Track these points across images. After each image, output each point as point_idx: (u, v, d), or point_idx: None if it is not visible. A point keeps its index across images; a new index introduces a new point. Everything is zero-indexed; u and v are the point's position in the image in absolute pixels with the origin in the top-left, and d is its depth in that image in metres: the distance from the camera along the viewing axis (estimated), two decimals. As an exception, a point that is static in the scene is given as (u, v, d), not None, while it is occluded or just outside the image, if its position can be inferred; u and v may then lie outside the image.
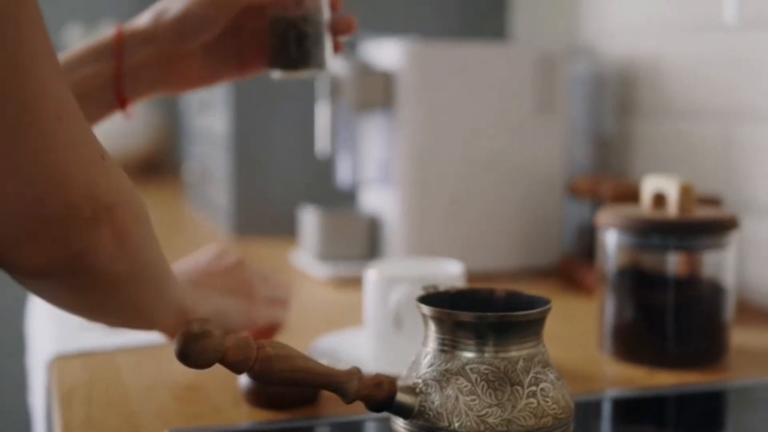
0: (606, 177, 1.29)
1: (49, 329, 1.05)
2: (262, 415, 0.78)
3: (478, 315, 0.64)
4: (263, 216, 1.59)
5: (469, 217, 1.30)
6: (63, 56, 0.82)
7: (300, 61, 0.83)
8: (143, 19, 0.84)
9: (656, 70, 1.35)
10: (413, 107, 1.27)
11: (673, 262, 0.93)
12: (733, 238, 0.94)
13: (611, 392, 0.88)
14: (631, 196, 1.17)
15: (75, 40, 2.43)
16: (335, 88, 1.30)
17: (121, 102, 0.84)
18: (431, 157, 1.28)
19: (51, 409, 0.87)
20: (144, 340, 0.97)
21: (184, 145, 2.16)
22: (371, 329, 0.92)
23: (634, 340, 0.94)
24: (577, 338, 1.02)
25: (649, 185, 0.97)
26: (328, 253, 1.33)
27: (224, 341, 0.59)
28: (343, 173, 1.37)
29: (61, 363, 0.92)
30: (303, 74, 0.83)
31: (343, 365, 0.86)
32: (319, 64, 0.83)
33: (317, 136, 1.44)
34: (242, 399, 0.81)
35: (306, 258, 1.35)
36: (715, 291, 0.94)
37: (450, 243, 1.30)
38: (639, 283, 0.95)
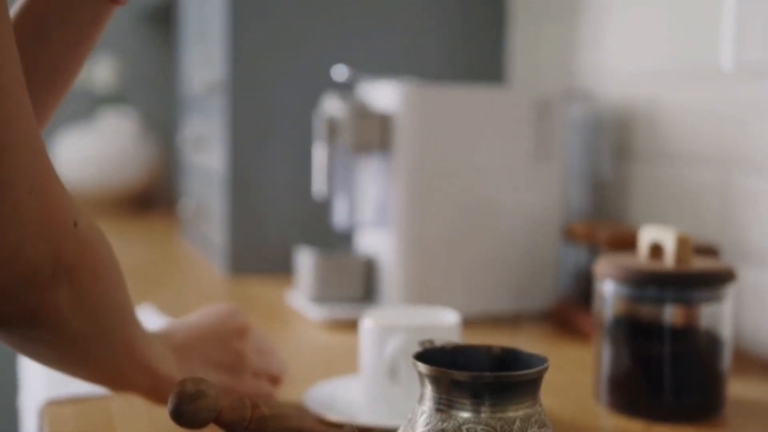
0: (603, 222, 1.29)
1: (42, 372, 1.04)
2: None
3: (474, 375, 0.63)
4: (259, 255, 1.58)
5: (466, 260, 1.30)
6: None
7: None
8: None
9: (653, 115, 1.35)
10: (410, 149, 1.27)
11: (670, 314, 0.93)
12: (730, 291, 0.94)
13: (607, 446, 0.87)
14: (628, 242, 1.17)
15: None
16: (332, 129, 1.30)
17: None
18: (428, 199, 1.28)
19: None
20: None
21: (180, 180, 2.16)
22: (366, 378, 0.91)
23: (631, 392, 0.93)
24: (573, 387, 1.01)
25: (647, 235, 0.97)
26: (324, 294, 1.32)
27: (219, 401, 0.58)
28: (339, 215, 1.37)
29: (52, 409, 0.91)
30: None
31: (338, 418, 0.86)
32: None
33: (314, 177, 1.44)
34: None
35: (301, 299, 1.35)
36: (712, 343, 0.94)
37: (446, 286, 1.29)
38: (635, 334, 0.94)
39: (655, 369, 0.93)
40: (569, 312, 1.26)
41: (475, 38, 1.70)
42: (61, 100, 0.79)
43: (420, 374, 0.65)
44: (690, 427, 0.90)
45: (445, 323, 0.91)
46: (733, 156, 1.20)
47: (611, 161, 1.44)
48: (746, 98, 1.18)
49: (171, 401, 0.58)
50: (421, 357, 0.67)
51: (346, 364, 1.07)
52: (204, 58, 1.76)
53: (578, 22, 1.53)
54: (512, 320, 1.30)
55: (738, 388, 1.00)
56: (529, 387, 0.65)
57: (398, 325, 0.89)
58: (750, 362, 1.12)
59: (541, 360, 0.67)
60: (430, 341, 0.71)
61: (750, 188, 1.17)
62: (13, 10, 0.75)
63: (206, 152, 1.75)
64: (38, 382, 1.02)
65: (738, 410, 0.95)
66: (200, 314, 0.90)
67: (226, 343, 0.88)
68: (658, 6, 1.34)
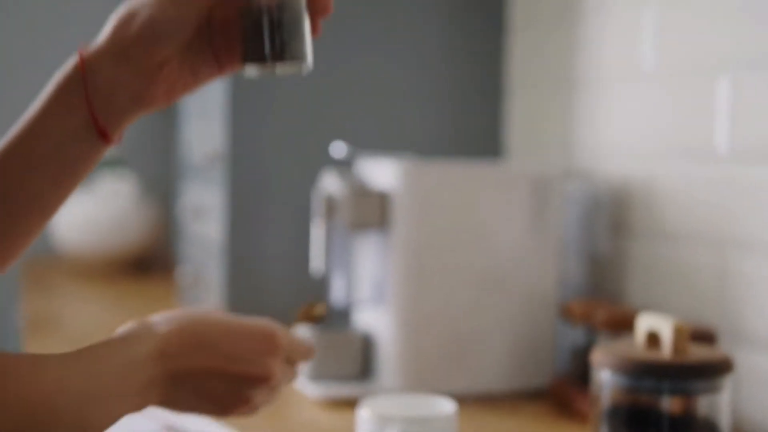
0: (600, 302, 1.29)
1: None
2: None
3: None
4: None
5: (463, 338, 1.30)
6: (32, 110, 0.75)
7: (276, 54, 0.73)
8: (105, 35, 0.75)
9: (651, 193, 1.36)
10: (408, 227, 1.28)
11: (668, 404, 0.93)
12: (728, 381, 0.94)
13: None
14: (625, 324, 1.17)
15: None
16: (331, 207, 1.30)
17: (103, 135, 0.76)
18: (425, 277, 1.28)
19: None
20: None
21: (178, 246, 2.16)
22: (363, 468, 0.91)
23: (629, 482, 0.93)
24: (571, 475, 1.01)
25: (644, 323, 0.97)
26: (321, 372, 1.32)
27: None
28: (337, 292, 1.37)
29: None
30: (280, 68, 0.74)
31: None
32: (299, 56, 0.74)
33: (312, 254, 1.45)
34: None
35: (299, 377, 1.34)
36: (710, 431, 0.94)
37: (443, 364, 1.29)
38: (633, 422, 0.94)
39: (652, 459, 0.92)
40: (566, 391, 1.26)
41: (473, 113, 1.72)
42: (43, 227, 0.79)
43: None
44: None
45: (441, 413, 0.91)
46: (729, 238, 1.21)
47: (608, 237, 1.45)
48: (742, 182, 1.19)
49: None
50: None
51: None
52: (204, 128, 1.77)
53: (576, 99, 1.55)
54: (509, 398, 1.30)
55: (736, 477, 0.99)
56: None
57: (395, 416, 0.89)
58: (748, 447, 1.12)
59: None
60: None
61: (747, 271, 1.18)
62: (4, 138, 0.75)
63: (205, 221, 1.75)
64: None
65: (736, 501, 0.94)
66: (242, 321, 0.81)
67: (255, 349, 0.80)
68: (656, 87, 1.36)
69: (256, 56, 0.74)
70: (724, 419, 0.94)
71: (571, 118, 1.56)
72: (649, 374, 0.92)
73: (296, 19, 0.73)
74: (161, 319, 0.78)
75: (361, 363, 1.34)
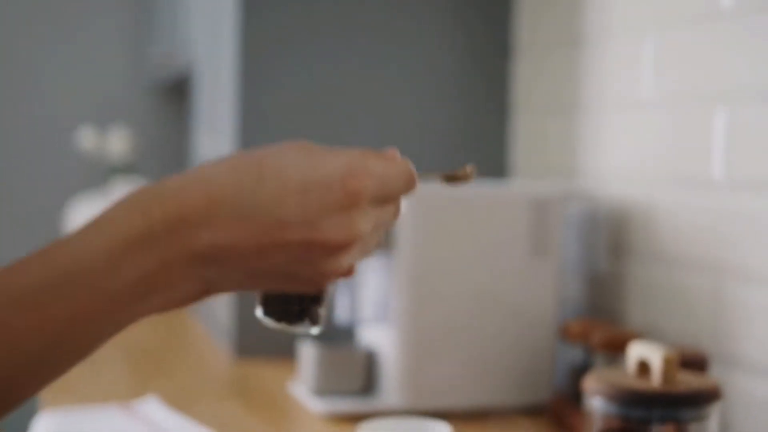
0: (598, 322, 1.32)
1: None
2: None
3: None
4: (264, 338, 1.62)
5: (464, 355, 1.33)
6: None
7: (293, 320, 0.73)
8: None
9: (649, 216, 1.39)
10: (410, 249, 1.31)
11: (657, 430, 0.96)
12: (716, 408, 0.97)
13: None
14: (621, 346, 1.21)
15: (88, 145, 2.49)
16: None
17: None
18: (427, 296, 1.32)
19: None
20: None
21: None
22: (361, 490, 0.94)
23: (618, 506, 0.96)
24: (564, 496, 1.04)
25: (634, 352, 1.00)
26: (325, 387, 1.36)
27: None
28: (341, 311, 1.40)
29: None
30: (294, 330, 0.74)
31: None
32: (314, 323, 0.74)
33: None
34: None
35: (303, 391, 1.38)
36: (698, 457, 0.97)
37: (444, 381, 1.32)
38: (624, 448, 0.97)
39: (642, 484, 0.96)
40: (564, 409, 1.29)
41: (478, 134, 1.75)
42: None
43: None
44: None
45: (437, 439, 0.94)
46: (725, 265, 1.23)
47: (608, 259, 1.48)
48: (738, 210, 1.21)
49: None
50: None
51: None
52: (216, 132, 1.81)
53: (579, 123, 1.58)
54: (508, 414, 1.33)
55: (724, 501, 1.02)
56: None
57: (392, 442, 0.92)
58: (739, 469, 1.15)
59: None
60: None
61: (741, 297, 1.20)
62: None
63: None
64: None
65: None
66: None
67: (336, 212, 0.60)
68: (655, 114, 1.38)
69: (274, 315, 0.74)
70: (712, 445, 0.97)
71: (574, 142, 1.59)
72: (638, 403, 0.95)
73: (322, 291, 0.74)
74: (175, 182, 0.58)
75: (364, 379, 1.37)
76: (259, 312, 0.73)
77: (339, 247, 0.60)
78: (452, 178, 0.71)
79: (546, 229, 1.36)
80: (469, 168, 0.70)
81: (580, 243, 1.54)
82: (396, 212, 0.66)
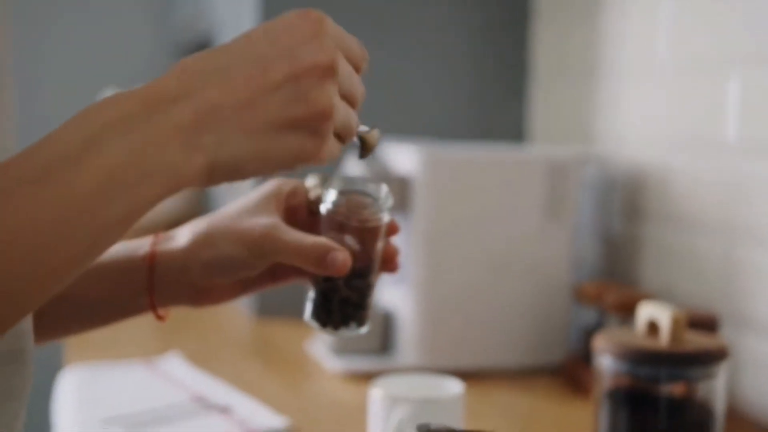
0: (611, 284, 1.34)
1: (72, 425, 1.11)
2: None
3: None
4: (284, 299, 1.64)
5: (479, 315, 1.35)
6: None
7: (337, 325, 0.76)
8: (180, 243, 0.77)
9: (664, 179, 1.40)
10: (428, 210, 1.33)
11: (665, 389, 0.98)
12: (723, 367, 0.99)
13: None
14: (633, 307, 1.22)
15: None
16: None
17: (156, 316, 0.79)
18: (444, 258, 1.34)
19: None
20: (160, 443, 1.03)
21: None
22: (374, 444, 0.97)
23: (626, 462, 0.99)
24: (573, 452, 1.06)
25: (644, 312, 1.02)
26: (343, 346, 1.38)
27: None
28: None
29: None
30: (339, 334, 0.77)
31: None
32: (359, 326, 0.77)
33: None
34: None
35: (321, 350, 1.41)
36: (704, 415, 0.99)
37: (460, 340, 1.35)
38: (632, 405, 0.99)
39: (649, 440, 0.98)
40: (577, 369, 1.31)
41: (497, 99, 1.76)
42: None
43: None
44: (680, 499, 0.94)
45: (449, 394, 0.96)
46: (737, 227, 1.25)
47: (622, 221, 1.49)
48: (751, 172, 1.22)
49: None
50: (417, 444, 0.73)
51: (359, 421, 1.12)
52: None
53: (597, 88, 1.58)
54: (523, 375, 1.35)
55: (731, 459, 1.04)
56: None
57: (404, 396, 0.94)
58: (748, 427, 1.16)
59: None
60: (427, 426, 0.76)
61: (753, 259, 1.22)
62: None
63: (236, 190, 1.81)
64: (69, 428, 1.08)
65: (728, 482, 0.99)
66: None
67: (300, 82, 0.58)
68: (671, 78, 1.39)
69: (319, 320, 0.76)
70: (719, 403, 0.99)
71: (592, 106, 1.60)
72: (646, 362, 0.97)
73: (364, 295, 0.76)
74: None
75: (381, 339, 1.40)
76: (306, 316, 0.76)
77: (325, 69, 0.58)
78: (363, 142, 0.69)
79: (562, 192, 1.37)
80: (376, 132, 0.69)
81: (595, 206, 1.55)
82: (358, 70, 0.64)
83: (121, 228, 0.55)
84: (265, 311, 1.65)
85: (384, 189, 0.77)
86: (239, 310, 1.73)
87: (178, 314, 1.71)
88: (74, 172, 0.52)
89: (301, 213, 0.80)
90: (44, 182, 0.52)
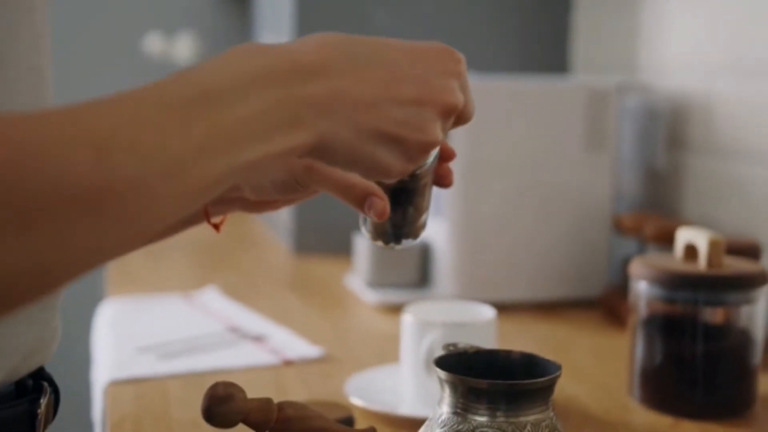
0: (651, 215, 1.32)
1: (108, 352, 1.12)
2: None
3: (489, 382, 0.67)
4: (322, 235, 1.64)
5: (517, 248, 1.34)
6: None
7: (393, 239, 0.75)
8: None
9: (708, 108, 1.36)
10: (465, 142, 1.31)
11: (702, 314, 0.96)
12: (763, 293, 0.96)
13: (633, 441, 0.90)
14: (673, 237, 1.20)
15: (154, 50, 2.52)
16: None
17: (212, 225, 0.77)
18: (481, 189, 1.32)
19: (104, 435, 0.94)
20: (194, 368, 1.03)
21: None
22: (406, 369, 0.96)
23: (662, 388, 0.97)
24: (608, 378, 1.05)
25: (682, 236, 1.00)
26: (380, 280, 1.37)
27: (247, 404, 0.63)
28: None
29: (114, 390, 0.98)
30: (396, 247, 0.76)
31: (376, 407, 0.91)
32: (412, 239, 0.77)
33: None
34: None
35: (359, 283, 1.40)
36: (744, 341, 0.97)
37: (497, 272, 1.33)
38: (668, 332, 0.98)
39: (687, 366, 0.96)
40: (616, 301, 1.29)
41: (539, 28, 1.72)
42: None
43: (439, 379, 0.70)
44: (719, 423, 0.93)
45: (480, 319, 0.95)
46: (781, 153, 1.21)
47: (665, 152, 1.46)
48: (796, 96, 1.19)
49: (202, 403, 0.63)
50: (441, 361, 0.72)
51: (394, 349, 1.12)
52: (279, 37, 1.81)
53: (639, 14, 1.54)
54: (561, 306, 1.34)
55: (770, 386, 1.02)
56: (542, 394, 0.69)
57: (435, 321, 0.94)
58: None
59: (556, 367, 0.71)
60: (454, 345, 0.75)
61: (797, 186, 1.18)
62: None
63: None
64: (105, 363, 1.09)
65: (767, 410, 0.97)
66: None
67: (438, 68, 0.61)
68: (715, 2, 1.35)
69: (377, 237, 0.76)
70: (758, 329, 0.97)
71: (634, 34, 1.56)
72: (683, 286, 0.95)
73: (419, 209, 0.76)
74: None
75: (419, 271, 1.39)
76: (363, 230, 0.76)
77: (449, 109, 0.61)
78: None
79: (602, 122, 1.34)
80: None
81: (636, 136, 1.52)
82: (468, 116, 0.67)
83: (217, 185, 0.52)
84: (305, 247, 1.65)
85: None
86: (278, 247, 1.73)
87: (217, 250, 1.71)
88: (217, 111, 0.51)
89: None
90: (191, 110, 0.50)
